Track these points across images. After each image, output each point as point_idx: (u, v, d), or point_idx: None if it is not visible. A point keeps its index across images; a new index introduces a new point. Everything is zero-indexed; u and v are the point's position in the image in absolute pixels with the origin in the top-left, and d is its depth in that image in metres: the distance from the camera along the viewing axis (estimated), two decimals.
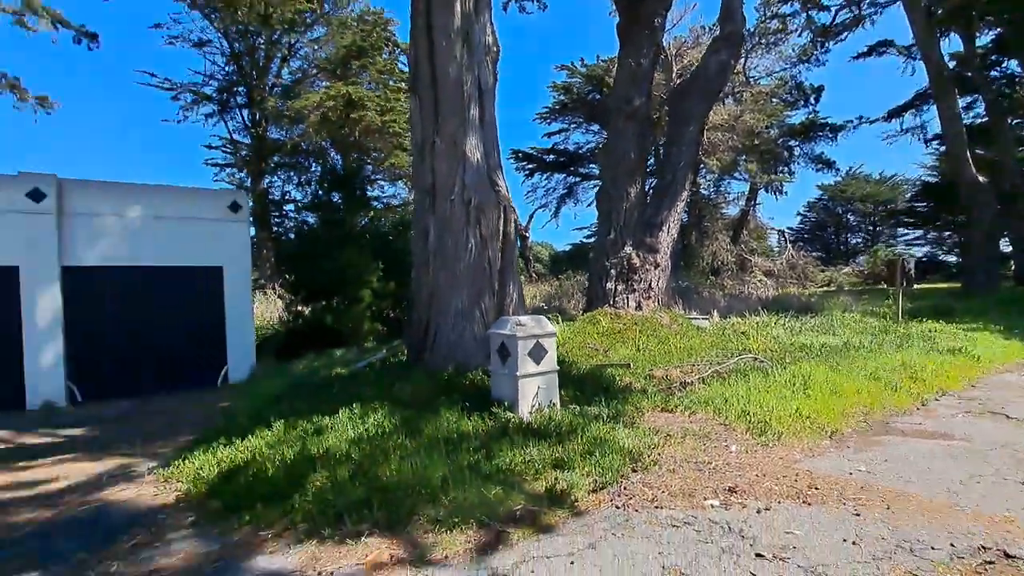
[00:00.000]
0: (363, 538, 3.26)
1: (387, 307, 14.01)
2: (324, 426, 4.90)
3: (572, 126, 30.80)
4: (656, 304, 11.44)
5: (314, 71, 24.85)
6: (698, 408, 5.89)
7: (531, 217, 34.13)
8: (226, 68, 23.24)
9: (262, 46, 23.53)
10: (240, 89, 23.56)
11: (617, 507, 3.65)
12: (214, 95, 23.06)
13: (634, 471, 4.21)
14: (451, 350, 6.44)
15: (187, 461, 4.75)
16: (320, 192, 14.41)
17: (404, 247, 14.30)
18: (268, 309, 17.10)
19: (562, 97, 28.45)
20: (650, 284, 11.45)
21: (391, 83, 24.92)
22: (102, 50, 20.56)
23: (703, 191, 26.88)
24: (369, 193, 19.98)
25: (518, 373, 5.00)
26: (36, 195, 7.86)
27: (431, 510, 3.50)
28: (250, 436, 5.00)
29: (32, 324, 7.83)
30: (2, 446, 6.10)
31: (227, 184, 24.72)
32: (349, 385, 6.56)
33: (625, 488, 3.92)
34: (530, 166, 32.19)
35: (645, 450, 4.49)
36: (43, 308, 7.88)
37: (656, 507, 3.62)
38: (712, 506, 3.64)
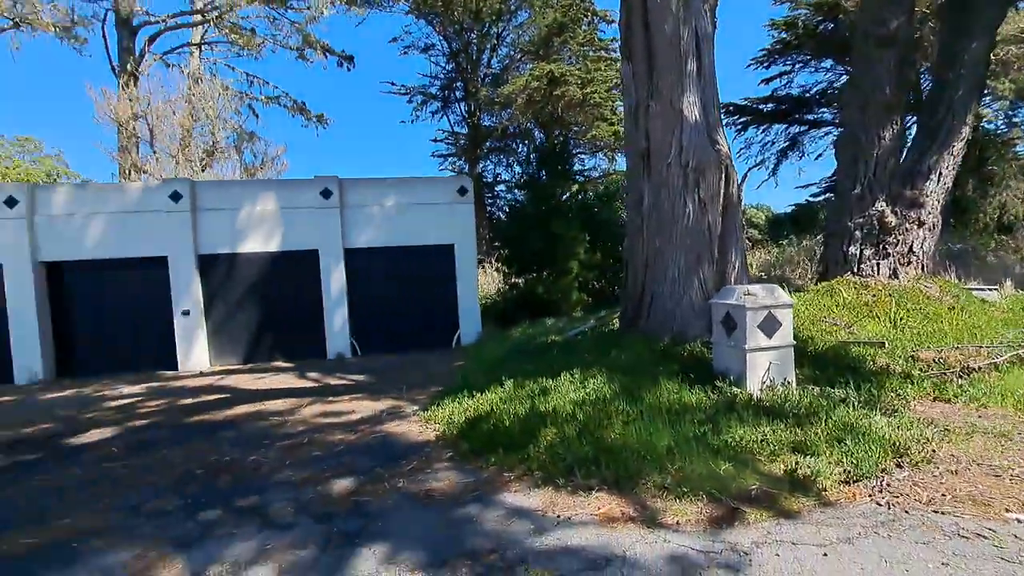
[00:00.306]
0: (593, 492, 3.49)
1: (593, 278, 14.33)
2: (548, 387, 5.31)
3: (797, 66, 26.36)
4: (919, 271, 9.32)
5: (519, 55, 26.13)
6: (989, 400, 4.72)
7: (744, 177, 30.58)
8: (446, 67, 26.05)
9: (474, 41, 25.65)
10: (458, 84, 26.18)
11: (879, 504, 3.18)
12: (438, 93, 26.10)
13: (899, 467, 3.60)
14: (667, 319, 6.30)
15: (439, 408, 5.67)
16: (530, 170, 15.27)
17: (609, 218, 14.37)
18: (486, 282, 19.05)
19: (783, 35, 24.49)
20: (910, 247, 9.35)
21: (590, 54, 24.80)
22: (356, 68, 24.92)
23: (986, 125, 20.44)
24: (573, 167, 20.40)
25: (746, 346, 4.66)
26: (326, 193, 10.09)
27: (657, 476, 3.55)
28: (486, 391, 5.70)
29: (328, 294, 10.18)
30: (315, 384, 8.13)
31: (450, 172, 27.93)
32: (565, 351, 6.95)
33: (888, 485, 3.39)
34: (743, 119, 28.67)
35: (913, 444, 3.79)
36: (334, 282, 10.17)
37: (934, 511, 3.05)
38: (1019, 521, 2.92)
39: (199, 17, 21.59)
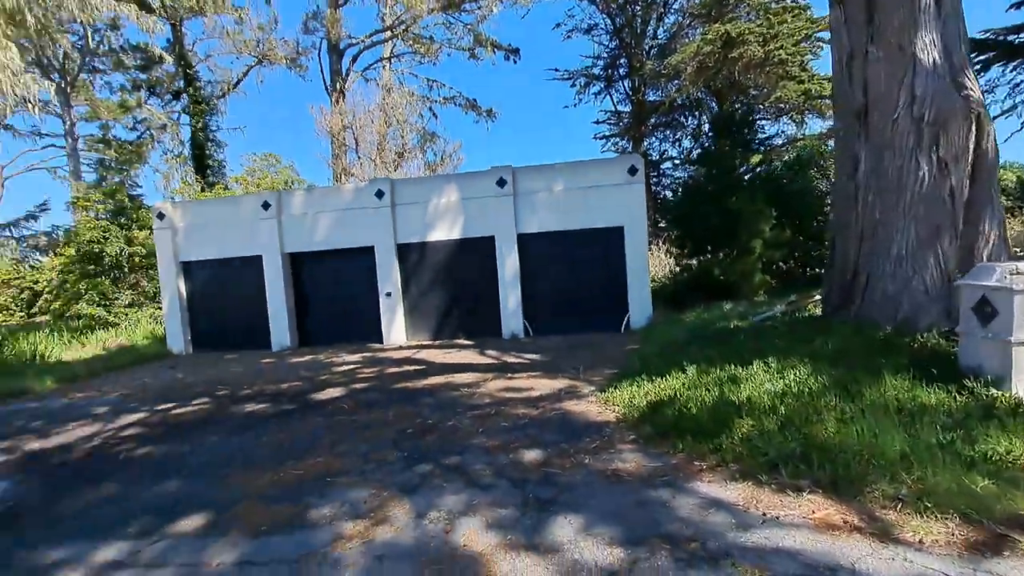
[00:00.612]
0: (804, 494, 3.14)
1: (779, 257, 12.86)
2: (738, 376, 4.93)
3: None
4: None
5: (688, 21, 24.33)
6: None
7: None
8: (609, 46, 25.45)
9: (639, 13, 24.59)
10: (621, 61, 25.42)
11: None
12: (600, 73, 25.67)
13: None
14: (888, 303, 5.33)
15: (617, 390, 5.64)
16: (703, 142, 14.21)
17: (802, 188, 12.72)
18: (652, 264, 18.37)
19: None
20: None
21: (772, 5, 21.92)
22: (521, 59, 25.80)
23: None
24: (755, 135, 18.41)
25: (1012, 339, 3.72)
26: (500, 182, 10.68)
27: (887, 485, 3.06)
28: (666, 376, 5.51)
29: (503, 278, 10.81)
30: (495, 361, 8.72)
31: (613, 153, 27.39)
32: (754, 337, 6.37)
33: None
34: (982, 57, 22.65)
35: None
36: (508, 266, 10.75)
37: None
38: None
39: (389, 33, 24.38)
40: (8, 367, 10.82)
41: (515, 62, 25.55)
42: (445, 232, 11.07)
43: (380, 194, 11.11)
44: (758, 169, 14.11)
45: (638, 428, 4.62)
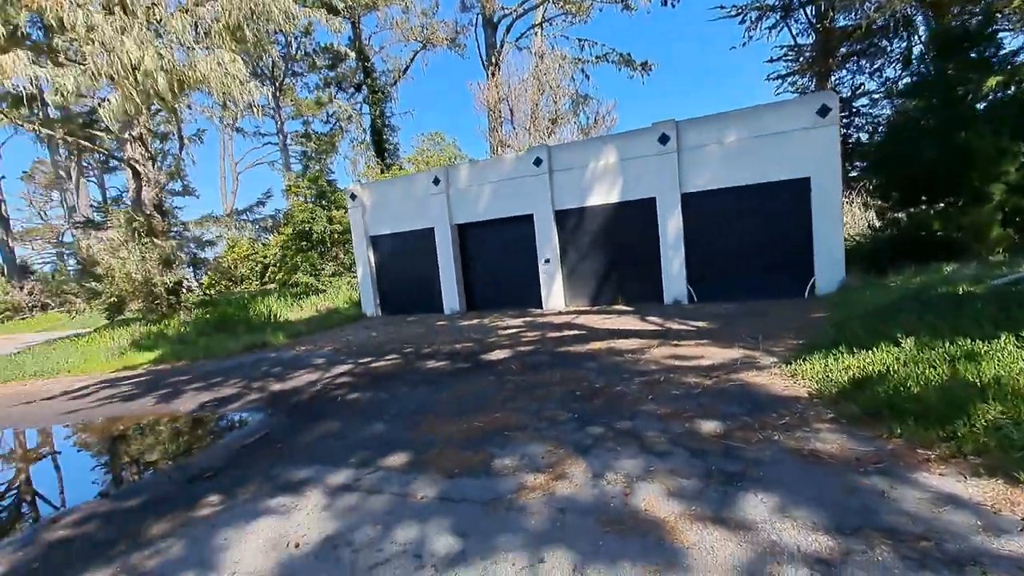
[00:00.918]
0: None
1: None
2: (977, 351, 4.03)
3: None
4: None
5: None
6: None
7: None
8: None
9: None
10: None
11: None
12: (775, 3, 22.33)
13: None
14: None
15: (808, 362, 5.04)
16: (920, 67, 11.62)
17: None
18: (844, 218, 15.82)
19: None
20: None
21: None
22: (680, 2, 23.62)
23: None
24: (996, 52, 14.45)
25: None
26: (663, 139, 10.04)
27: None
28: (872, 349, 4.76)
29: (665, 240, 10.28)
30: (658, 328, 8.40)
31: (791, 93, 23.92)
32: (996, 306, 5.13)
33: None
34: None
35: None
36: (671, 228, 10.17)
37: None
38: None
39: None
40: (253, 325, 13.60)
41: (673, 6, 23.47)
42: (603, 196, 10.85)
43: (538, 162, 11.27)
44: (998, 94, 11.09)
45: (838, 406, 4.08)
